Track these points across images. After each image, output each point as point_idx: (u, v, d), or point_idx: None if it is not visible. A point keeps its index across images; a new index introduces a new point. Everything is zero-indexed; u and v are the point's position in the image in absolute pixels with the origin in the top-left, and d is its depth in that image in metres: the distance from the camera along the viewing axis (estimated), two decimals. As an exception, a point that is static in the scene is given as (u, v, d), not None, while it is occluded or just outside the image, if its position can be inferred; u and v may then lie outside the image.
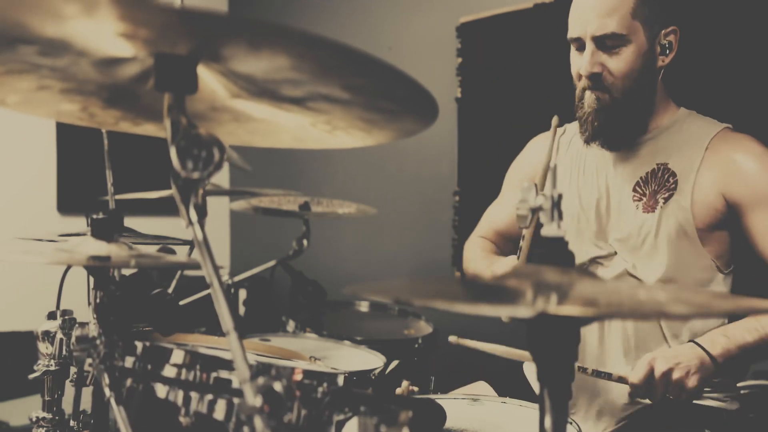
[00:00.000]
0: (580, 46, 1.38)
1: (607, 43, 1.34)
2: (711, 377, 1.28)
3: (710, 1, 1.98)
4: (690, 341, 1.32)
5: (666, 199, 1.38)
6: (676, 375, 1.24)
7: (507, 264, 1.44)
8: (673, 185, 1.38)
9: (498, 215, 1.73)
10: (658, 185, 1.40)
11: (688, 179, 1.37)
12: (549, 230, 0.64)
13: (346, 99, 0.75)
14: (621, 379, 1.28)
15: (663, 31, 1.38)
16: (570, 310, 0.52)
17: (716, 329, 1.33)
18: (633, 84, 1.36)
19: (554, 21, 2.40)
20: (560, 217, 0.65)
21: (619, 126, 1.40)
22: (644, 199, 1.40)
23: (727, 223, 1.37)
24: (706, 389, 1.33)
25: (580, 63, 1.38)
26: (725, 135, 1.39)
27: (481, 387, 1.58)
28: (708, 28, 1.95)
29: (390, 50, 3.00)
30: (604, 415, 1.45)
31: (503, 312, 0.59)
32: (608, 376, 1.29)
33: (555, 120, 1.29)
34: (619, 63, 1.34)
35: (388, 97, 0.76)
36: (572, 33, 1.38)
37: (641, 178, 1.42)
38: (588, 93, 1.39)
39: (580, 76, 1.40)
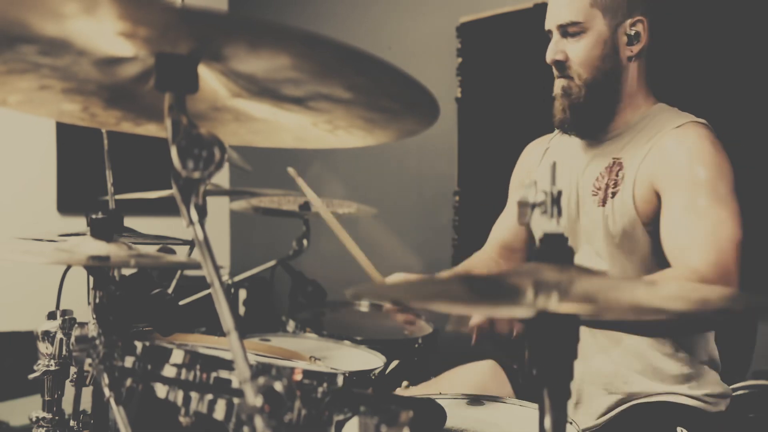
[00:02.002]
0: (551, 38, 1.44)
1: (569, 31, 1.39)
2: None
3: None
4: None
5: (614, 194, 1.39)
6: (485, 324, 1.24)
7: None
8: (621, 179, 1.39)
9: (500, 227, 1.74)
10: (609, 179, 1.41)
11: (631, 172, 1.37)
12: (548, 227, 0.64)
13: (347, 98, 0.75)
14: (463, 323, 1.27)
15: (628, 21, 1.39)
16: (570, 308, 0.52)
17: None
18: (594, 71, 1.39)
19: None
20: (559, 213, 0.65)
21: (584, 112, 1.42)
22: (599, 193, 1.42)
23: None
24: (685, 379, 1.35)
25: (547, 52, 1.44)
26: (680, 129, 1.35)
27: (489, 365, 1.58)
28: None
29: (390, 50, 3.00)
30: (581, 404, 1.46)
31: (503, 312, 0.59)
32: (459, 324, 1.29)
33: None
34: (578, 50, 1.39)
35: (389, 97, 0.76)
36: (546, 26, 1.44)
37: (600, 173, 1.43)
38: (556, 82, 1.45)
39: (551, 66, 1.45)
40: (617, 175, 1.39)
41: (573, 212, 1.47)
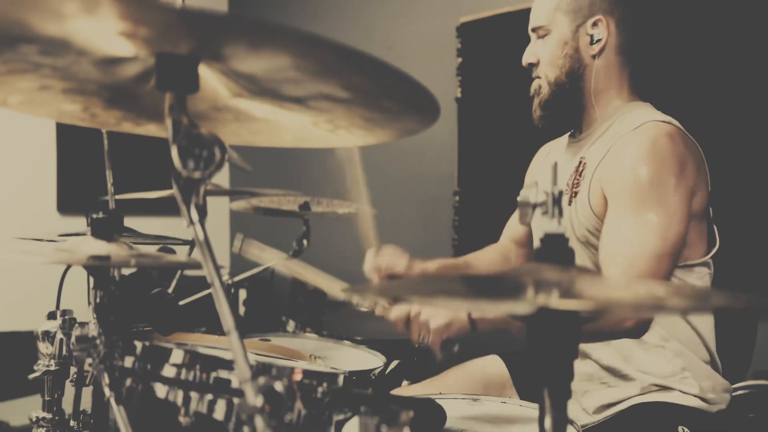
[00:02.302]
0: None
1: (539, 33, 1.47)
2: (465, 334, 1.25)
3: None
4: None
5: (576, 193, 1.42)
6: (422, 317, 1.23)
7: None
8: (583, 179, 1.41)
9: (513, 223, 1.77)
10: (574, 179, 1.44)
11: (589, 173, 1.39)
12: (549, 227, 0.64)
13: (348, 98, 0.75)
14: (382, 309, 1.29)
15: (589, 22, 1.43)
16: (570, 304, 0.52)
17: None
18: (557, 70, 1.44)
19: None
20: (560, 213, 0.65)
21: (551, 109, 1.47)
22: (569, 191, 1.44)
23: None
24: (681, 377, 1.34)
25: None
26: (641, 128, 1.34)
27: (493, 361, 1.59)
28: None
29: (390, 50, 3.00)
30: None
31: (502, 310, 0.59)
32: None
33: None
34: (544, 51, 1.46)
35: (389, 97, 0.76)
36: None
37: (570, 172, 1.46)
38: (532, 83, 1.51)
39: None
40: (581, 176, 1.42)
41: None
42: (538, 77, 1.48)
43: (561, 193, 0.66)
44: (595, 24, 1.42)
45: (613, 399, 1.41)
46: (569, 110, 1.48)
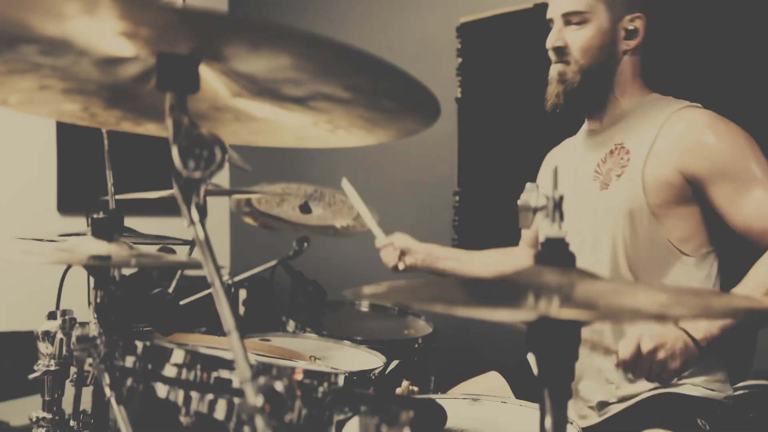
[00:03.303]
0: (553, 26, 1.49)
1: (573, 20, 1.44)
2: (693, 361, 1.27)
3: None
4: None
5: (619, 176, 1.43)
6: (660, 355, 1.23)
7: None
8: (626, 162, 1.42)
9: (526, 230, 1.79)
10: (613, 163, 1.45)
11: (640, 155, 1.40)
12: (550, 231, 0.64)
13: (348, 98, 0.75)
14: (609, 351, 1.28)
15: (628, 17, 1.45)
16: (571, 313, 0.52)
17: None
18: (591, 59, 1.45)
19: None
20: (561, 218, 0.65)
21: (575, 97, 1.48)
22: (601, 177, 1.47)
23: (690, 199, 1.37)
24: (690, 372, 1.36)
25: (548, 39, 1.49)
26: (683, 111, 1.41)
27: (493, 377, 1.59)
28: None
29: (390, 50, 3.00)
30: (578, 400, 1.47)
31: (503, 315, 0.59)
32: (597, 348, 1.30)
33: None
34: (578, 38, 1.45)
35: (389, 97, 0.76)
36: (548, 15, 1.50)
37: (601, 159, 1.48)
38: (552, 67, 1.50)
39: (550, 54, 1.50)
40: (622, 159, 1.43)
41: (573, 198, 1.49)
42: (565, 63, 1.47)
43: (561, 197, 0.65)
44: (633, 20, 1.44)
45: (628, 392, 1.42)
46: (594, 100, 1.49)
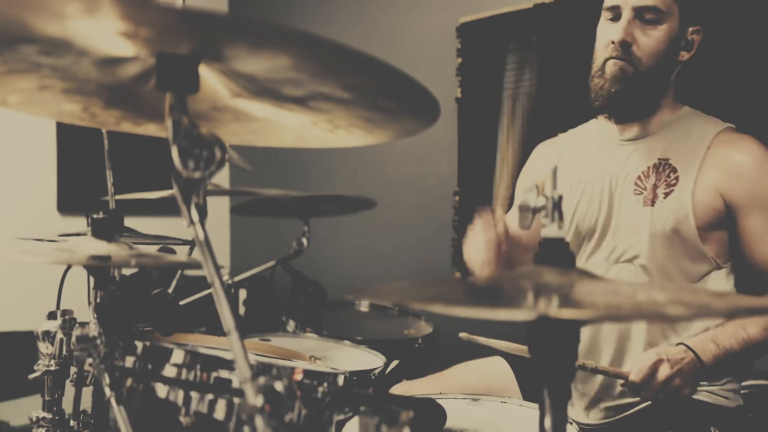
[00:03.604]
0: (615, 16, 1.41)
1: (646, 16, 1.37)
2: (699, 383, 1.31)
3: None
4: (681, 344, 1.32)
5: (666, 194, 1.40)
6: (676, 382, 1.25)
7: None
8: (674, 181, 1.40)
9: (510, 224, 1.74)
10: (658, 180, 1.42)
11: (689, 176, 1.38)
12: (549, 231, 0.64)
13: (347, 98, 0.75)
14: (619, 376, 1.29)
15: (691, 27, 1.42)
16: (570, 313, 0.52)
17: (706, 334, 1.34)
18: (657, 63, 1.39)
19: (554, 21, 2.41)
20: (560, 218, 0.65)
21: (633, 99, 1.42)
22: (644, 192, 1.43)
23: (725, 223, 1.38)
24: (702, 383, 1.36)
25: (612, 31, 1.40)
26: (727, 135, 1.40)
27: (496, 362, 1.59)
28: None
29: (390, 50, 3.00)
30: (593, 405, 1.47)
31: (503, 315, 0.59)
32: (606, 373, 1.31)
33: None
34: (650, 39, 1.38)
35: (389, 97, 0.76)
36: (612, 1, 1.40)
37: (643, 172, 1.44)
38: (611, 62, 1.41)
39: (607, 45, 1.42)
40: (669, 177, 1.40)
41: (606, 207, 1.48)
42: (627, 62, 1.39)
43: (560, 197, 0.65)
44: (694, 31, 1.42)
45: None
46: (645, 106, 1.45)
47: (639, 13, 1.37)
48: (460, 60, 2.73)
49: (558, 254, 0.63)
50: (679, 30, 1.39)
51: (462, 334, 1.39)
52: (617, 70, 1.40)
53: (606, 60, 1.42)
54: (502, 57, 2.60)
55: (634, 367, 1.27)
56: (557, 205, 0.65)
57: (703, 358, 1.28)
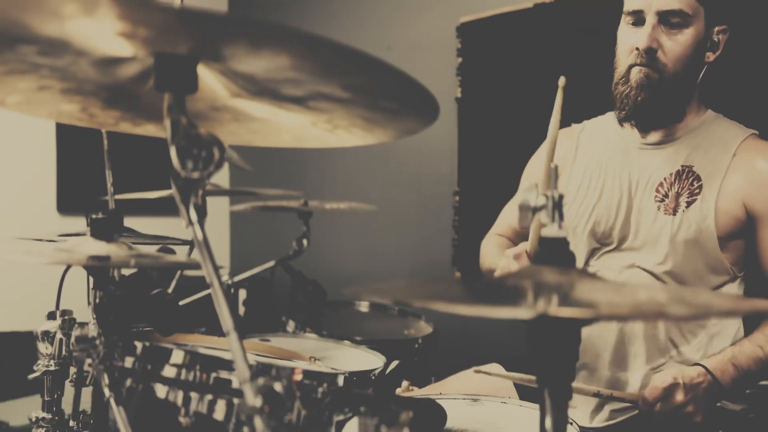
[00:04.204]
0: (638, 20, 1.37)
1: (671, 20, 1.33)
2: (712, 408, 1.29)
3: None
4: (700, 365, 1.29)
5: (689, 203, 1.37)
6: (689, 408, 1.24)
7: (511, 258, 1.39)
8: (697, 190, 1.37)
9: (514, 213, 1.73)
10: (681, 187, 1.39)
11: (713, 185, 1.36)
12: (550, 231, 0.64)
13: (347, 98, 0.75)
14: (632, 401, 1.29)
15: (717, 27, 1.38)
16: (570, 311, 0.51)
17: (725, 354, 1.31)
18: (683, 68, 1.36)
19: (554, 21, 2.41)
20: (561, 217, 0.65)
21: (660, 106, 1.39)
22: (666, 200, 1.40)
23: (745, 232, 1.37)
24: None
25: (636, 37, 1.37)
26: (752, 142, 1.38)
27: (495, 369, 1.58)
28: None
29: (390, 50, 3.00)
30: (599, 409, 1.46)
31: (503, 314, 0.59)
32: (622, 399, 1.31)
33: (562, 81, 1.19)
34: (676, 44, 1.34)
35: (388, 97, 0.76)
36: (633, 5, 1.36)
37: (665, 178, 1.41)
38: (636, 69, 1.37)
39: (631, 51, 1.38)
40: (692, 185, 1.38)
41: (624, 212, 1.45)
42: (653, 67, 1.35)
43: (561, 196, 0.65)
44: (719, 31, 1.38)
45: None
46: (676, 109, 1.41)
47: (664, 17, 1.33)
48: (460, 60, 2.72)
49: (558, 254, 0.63)
50: (705, 32, 1.35)
51: (474, 369, 1.39)
52: (642, 77, 1.36)
53: (630, 67, 1.38)
54: (502, 57, 2.60)
55: (649, 385, 1.26)
56: (557, 204, 0.65)
57: (722, 381, 1.26)
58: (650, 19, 1.34)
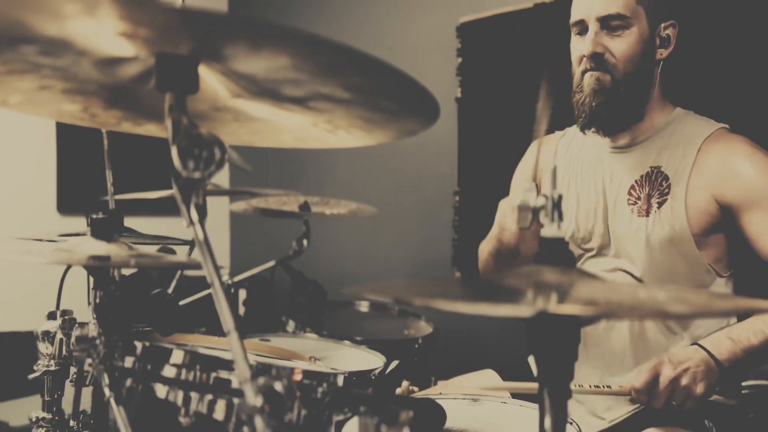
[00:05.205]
0: (582, 30, 1.40)
1: (611, 24, 1.36)
2: (716, 382, 1.25)
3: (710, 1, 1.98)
4: (694, 344, 1.30)
5: (660, 204, 1.38)
6: (683, 381, 1.22)
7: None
8: (667, 189, 1.38)
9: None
10: (651, 189, 1.40)
11: (681, 184, 1.36)
12: (549, 231, 0.64)
13: (347, 98, 0.75)
14: (621, 392, 1.27)
15: (663, 24, 1.40)
16: (570, 309, 0.52)
17: (721, 331, 1.31)
18: (633, 68, 1.37)
19: (554, 21, 2.41)
20: (560, 217, 0.65)
21: (617, 109, 1.40)
22: (639, 203, 1.41)
23: (722, 226, 1.36)
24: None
25: (582, 45, 1.40)
26: (718, 136, 1.38)
27: (489, 375, 1.58)
28: (707, 27, 1.95)
29: (390, 50, 3.00)
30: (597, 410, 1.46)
31: (503, 311, 0.59)
32: (608, 389, 1.29)
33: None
34: (621, 45, 1.36)
35: (389, 97, 0.76)
36: (575, 16, 1.41)
37: (636, 181, 1.42)
38: (588, 75, 1.40)
39: (580, 60, 1.41)
40: (662, 185, 1.38)
41: (601, 216, 1.47)
42: (602, 71, 1.38)
43: (560, 197, 0.65)
44: (667, 27, 1.40)
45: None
46: (634, 111, 1.42)
47: (604, 22, 1.36)
48: (460, 60, 2.73)
49: (558, 254, 0.63)
50: (649, 30, 1.37)
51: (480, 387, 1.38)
52: (594, 81, 1.39)
53: (582, 74, 1.41)
54: (502, 57, 2.60)
55: (635, 374, 1.25)
56: (557, 204, 0.65)
57: (717, 355, 1.24)
58: (592, 27, 1.37)
